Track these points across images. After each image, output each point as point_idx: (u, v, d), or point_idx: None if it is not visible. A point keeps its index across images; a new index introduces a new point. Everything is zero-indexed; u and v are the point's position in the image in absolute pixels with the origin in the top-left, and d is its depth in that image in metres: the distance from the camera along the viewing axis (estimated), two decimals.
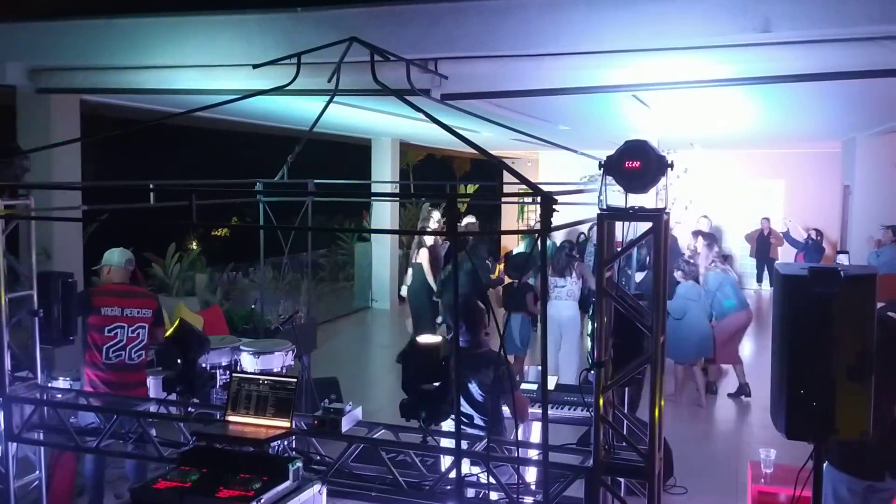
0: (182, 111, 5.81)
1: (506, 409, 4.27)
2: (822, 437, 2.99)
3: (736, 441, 7.03)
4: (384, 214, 13.92)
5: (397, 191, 14.10)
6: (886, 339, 3.65)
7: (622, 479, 3.46)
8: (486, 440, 3.42)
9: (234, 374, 3.80)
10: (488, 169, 23.06)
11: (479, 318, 4.27)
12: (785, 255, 14.81)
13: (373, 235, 14.34)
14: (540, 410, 4.78)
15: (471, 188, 17.52)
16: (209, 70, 6.05)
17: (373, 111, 8.79)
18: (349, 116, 9.38)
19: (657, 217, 3.10)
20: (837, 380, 2.90)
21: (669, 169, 3.15)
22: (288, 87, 4.30)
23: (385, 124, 10.99)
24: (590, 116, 9.85)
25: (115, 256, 5.26)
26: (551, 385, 5.18)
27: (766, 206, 16.11)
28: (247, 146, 16.61)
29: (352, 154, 16.21)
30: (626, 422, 3.56)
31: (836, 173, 14.50)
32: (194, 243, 16.03)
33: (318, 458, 3.74)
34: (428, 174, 22.48)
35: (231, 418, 3.65)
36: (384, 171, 13.85)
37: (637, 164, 3.10)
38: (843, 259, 9.32)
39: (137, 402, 4.48)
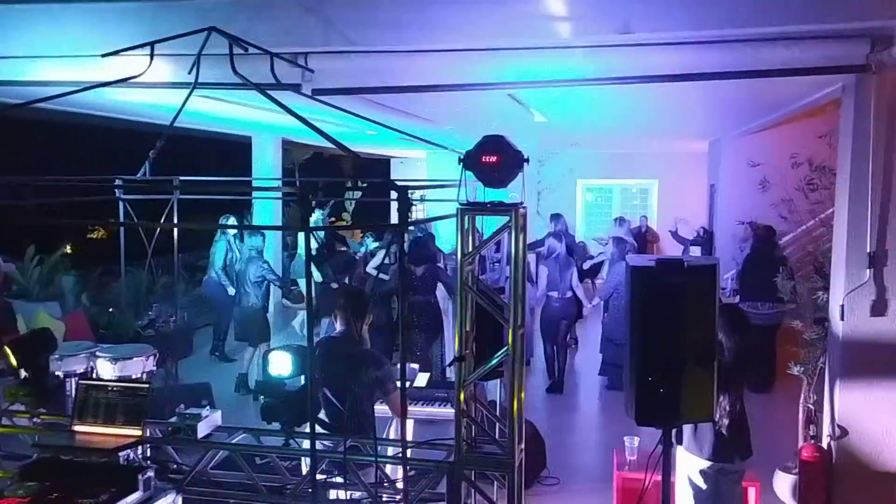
0: (23, 102, 5.42)
1: (384, 409, 4.08)
2: (670, 422, 3.10)
3: (608, 430, 7.25)
4: (267, 214, 13.55)
5: (277, 187, 13.72)
6: (734, 329, 3.86)
7: (496, 475, 3.48)
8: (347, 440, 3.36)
9: (80, 381, 3.59)
10: (376, 167, 22.94)
11: (359, 308, 3.99)
12: (668, 253, 15.41)
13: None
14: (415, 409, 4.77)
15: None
16: (62, 60, 5.67)
17: (247, 106, 8.52)
18: (224, 112, 9.06)
19: (514, 211, 3.13)
20: (684, 366, 3.02)
21: (526, 164, 3.19)
22: (144, 80, 4.08)
23: (265, 120, 10.69)
24: (470, 116, 9.93)
25: None
26: (423, 382, 5.17)
27: (643, 205, 16.82)
28: (113, 142, 15.68)
29: (234, 152, 15.68)
30: (484, 413, 3.59)
31: (704, 173, 15.26)
32: (69, 247, 15.08)
33: (175, 466, 3.57)
34: (316, 172, 22.09)
35: (77, 428, 3.45)
36: (266, 170, 13.48)
37: (495, 159, 3.13)
38: (696, 251, 9.82)
39: None
